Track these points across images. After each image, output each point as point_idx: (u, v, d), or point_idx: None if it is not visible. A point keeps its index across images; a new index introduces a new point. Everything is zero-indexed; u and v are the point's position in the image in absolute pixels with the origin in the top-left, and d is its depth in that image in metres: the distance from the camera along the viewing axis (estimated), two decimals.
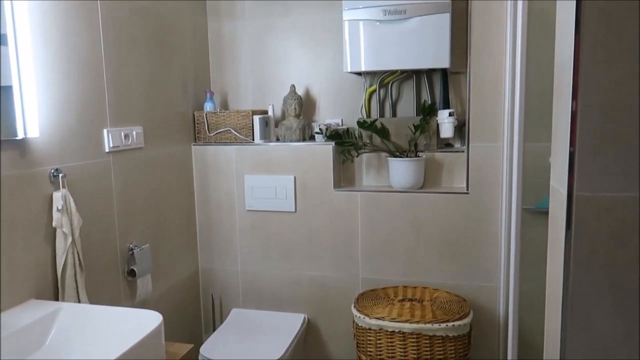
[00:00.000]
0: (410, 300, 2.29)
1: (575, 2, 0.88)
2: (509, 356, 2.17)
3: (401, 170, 2.37)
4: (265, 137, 2.60)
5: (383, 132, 2.41)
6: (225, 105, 2.84)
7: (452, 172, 2.46)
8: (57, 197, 1.68)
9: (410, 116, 2.52)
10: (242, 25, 2.74)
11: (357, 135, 2.47)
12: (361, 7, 2.24)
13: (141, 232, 2.22)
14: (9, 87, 1.51)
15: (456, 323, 2.04)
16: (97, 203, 1.94)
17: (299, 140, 2.54)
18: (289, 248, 2.60)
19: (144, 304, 2.20)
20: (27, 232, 1.61)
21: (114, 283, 2.06)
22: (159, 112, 2.35)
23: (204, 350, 2.22)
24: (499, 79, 2.18)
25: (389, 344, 2.08)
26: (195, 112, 2.65)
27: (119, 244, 2.07)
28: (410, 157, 2.38)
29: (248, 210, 2.62)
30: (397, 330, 2.06)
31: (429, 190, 2.38)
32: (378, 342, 2.11)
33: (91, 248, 1.90)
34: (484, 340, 2.38)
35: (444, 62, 2.18)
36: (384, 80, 2.53)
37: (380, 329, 2.09)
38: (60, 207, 1.67)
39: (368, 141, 2.48)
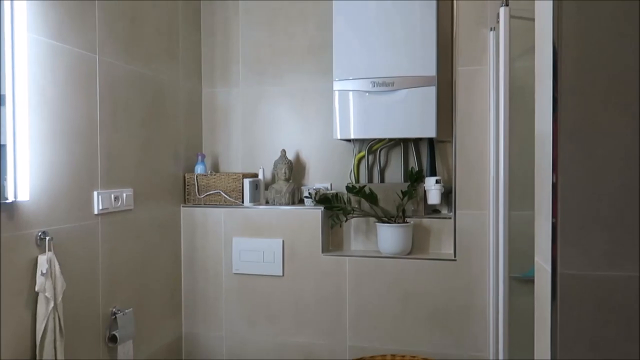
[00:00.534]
0: None
1: (552, 82, 0.93)
2: None
3: (389, 236, 2.39)
4: (255, 200, 2.62)
5: (371, 198, 2.44)
6: (216, 168, 2.88)
7: (440, 238, 2.48)
8: (42, 260, 1.66)
9: (398, 182, 2.57)
10: (236, 92, 2.83)
11: (346, 200, 2.50)
12: (351, 78, 2.34)
13: (125, 296, 2.18)
14: (3, 146, 1.53)
15: None
16: (83, 266, 1.92)
17: (288, 204, 2.57)
18: (275, 313, 2.56)
19: None
20: (9, 296, 1.58)
21: (94, 349, 1.99)
22: (150, 174, 2.37)
23: None
24: (483, 149, 2.25)
25: None
26: (186, 174, 2.68)
27: (101, 308, 2.03)
28: (398, 222, 2.40)
29: (235, 274, 2.60)
30: None
31: (417, 257, 2.39)
32: None
33: (73, 312, 1.85)
34: None
35: (430, 132, 2.26)
36: (372, 147, 2.59)
37: None
38: (44, 271, 1.65)
39: (357, 206, 2.50)
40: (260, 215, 2.56)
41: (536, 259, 1.07)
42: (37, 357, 1.65)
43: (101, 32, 2.01)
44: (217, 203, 2.63)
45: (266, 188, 2.69)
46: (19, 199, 1.58)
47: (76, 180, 1.88)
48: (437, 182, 2.38)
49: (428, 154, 2.53)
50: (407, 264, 2.37)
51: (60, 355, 1.70)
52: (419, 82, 2.24)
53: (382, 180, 2.62)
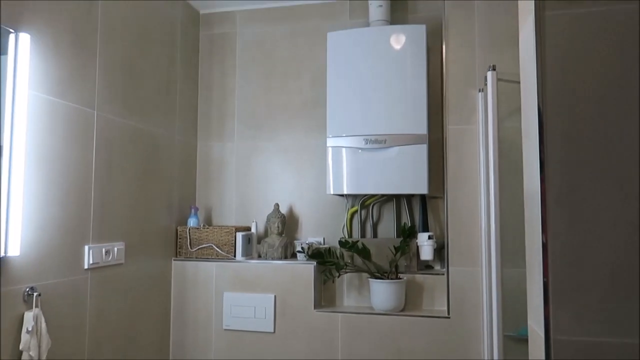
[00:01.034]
0: None
1: (539, 143, 0.96)
2: None
3: (382, 292, 2.37)
4: (247, 254, 2.60)
5: (364, 253, 2.43)
6: (209, 221, 2.87)
7: (433, 294, 2.46)
8: (29, 317, 1.63)
9: (390, 237, 2.57)
10: (231, 146, 2.87)
11: (338, 254, 2.49)
12: (344, 135, 2.39)
13: (112, 353, 2.12)
14: None
15: None
16: (70, 323, 1.87)
17: (280, 258, 2.55)
18: None
19: None
20: None
21: None
22: (143, 227, 2.36)
23: None
24: (475, 205, 2.27)
25: None
26: (178, 227, 2.67)
27: None
28: (391, 278, 2.39)
29: (225, 330, 2.54)
30: None
31: (410, 314, 2.36)
32: None
33: None
34: None
35: (422, 188, 2.29)
36: (365, 202, 2.61)
37: None
38: (30, 329, 1.61)
39: (349, 261, 2.49)
40: (252, 269, 2.53)
41: (529, 322, 1.07)
42: None
43: (100, 88, 2.06)
44: (209, 257, 2.61)
45: (259, 242, 2.68)
46: (9, 254, 1.57)
47: (68, 234, 1.87)
48: (429, 237, 2.39)
49: (420, 210, 2.55)
50: (400, 321, 2.34)
51: None
52: (411, 139, 2.29)
53: (374, 235, 2.62)
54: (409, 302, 2.46)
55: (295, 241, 2.70)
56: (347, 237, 2.60)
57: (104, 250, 2.05)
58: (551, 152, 0.94)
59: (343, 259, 2.49)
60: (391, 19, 2.57)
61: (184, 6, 2.79)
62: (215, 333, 2.56)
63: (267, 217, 2.65)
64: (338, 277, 2.50)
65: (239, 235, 2.57)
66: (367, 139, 2.34)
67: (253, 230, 2.68)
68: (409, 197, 2.59)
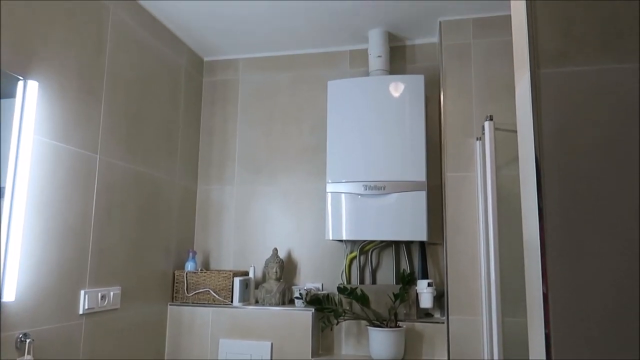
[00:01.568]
0: None
1: (536, 193, 0.97)
2: None
3: (381, 341, 2.32)
4: (245, 299, 2.57)
5: (363, 300, 2.40)
6: (206, 265, 2.85)
7: (433, 343, 2.41)
8: None
9: (390, 284, 2.55)
10: (230, 189, 2.88)
11: (337, 301, 2.46)
12: (344, 181, 2.41)
13: None
14: None
15: None
16: None
17: (278, 304, 2.52)
18: None
19: None
20: None
21: None
22: (139, 271, 2.34)
23: None
24: (474, 253, 2.27)
25: None
26: (175, 271, 2.64)
27: None
28: (391, 326, 2.35)
29: None
30: None
31: None
32: None
33: None
34: None
35: (421, 235, 2.29)
36: (364, 248, 2.60)
37: None
38: None
39: (348, 308, 2.46)
40: (249, 315, 2.49)
41: None
42: None
43: (104, 133, 2.09)
44: (206, 302, 2.57)
45: (256, 287, 2.65)
46: (4, 299, 1.55)
47: (64, 278, 1.86)
48: (429, 285, 2.36)
49: (419, 256, 2.53)
50: None
51: None
52: (410, 186, 2.31)
53: (373, 281, 2.60)
54: (409, 351, 2.41)
55: (293, 287, 2.67)
56: (345, 283, 2.58)
57: (99, 295, 2.03)
58: (550, 203, 0.95)
59: (342, 305, 2.46)
60: (390, 69, 2.64)
61: (189, 54, 2.87)
62: None
63: (266, 261, 2.63)
64: (336, 324, 2.46)
65: (237, 280, 2.54)
66: (366, 185, 2.36)
67: (251, 275, 2.66)
68: (408, 244, 2.58)
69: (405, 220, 2.30)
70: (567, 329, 0.92)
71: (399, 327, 2.37)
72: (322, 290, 2.64)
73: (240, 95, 2.97)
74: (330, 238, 2.43)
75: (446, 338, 2.31)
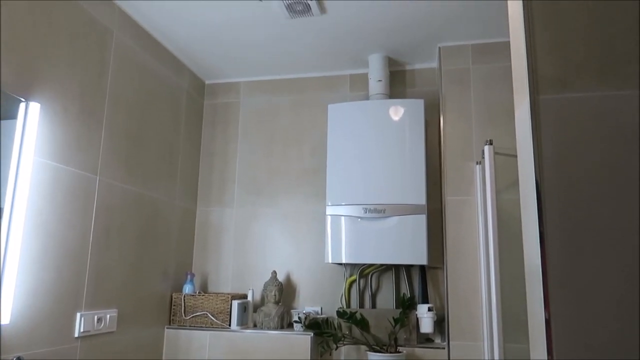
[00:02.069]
0: None
1: (537, 217, 0.97)
2: None
3: None
4: (243, 323, 2.54)
5: (363, 324, 2.37)
6: (204, 287, 2.82)
7: None
8: None
9: (389, 308, 2.52)
10: (230, 212, 2.88)
11: (336, 325, 2.43)
12: (343, 204, 2.40)
13: None
14: None
15: None
16: None
17: (277, 328, 2.48)
18: None
19: None
20: None
21: None
22: (137, 294, 2.32)
23: None
24: (475, 277, 2.25)
25: None
26: (173, 294, 2.62)
27: None
28: (391, 351, 2.32)
29: None
30: None
31: None
32: None
33: None
34: None
35: (421, 259, 2.27)
36: (364, 271, 2.58)
37: None
38: None
39: (347, 332, 2.43)
40: (247, 339, 2.46)
41: None
42: None
43: (104, 154, 2.10)
44: (203, 325, 2.54)
45: (255, 310, 2.62)
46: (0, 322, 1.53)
47: (60, 301, 1.83)
48: (429, 309, 2.34)
49: (419, 280, 2.51)
50: None
51: None
52: (410, 210, 2.30)
53: (373, 305, 2.57)
54: None
55: (292, 310, 2.64)
56: (345, 306, 2.55)
57: (96, 317, 2.00)
58: (551, 228, 0.95)
59: (341, 329, 2.43)
60: (390, 93, 2.66)
61: (190, 76, 2.90)
62: None
63: (265, 284, 2.61)
64: (335, 349, 2.43)
65: (235, 303, 2.51)
66: (366, 208, 2.35)
67: (249, 298, 2.63)
68: (409, 267, 2.56)
69: (405, 244, 2.29)
70: (570, 355, 0.91)
71: (399, 352, 2.33)
72: (321, 314, 2.61)
73: (241, 117, 2.99)
74: (330, 261, 2.41)
75: None
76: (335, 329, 2.42)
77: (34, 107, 1.68)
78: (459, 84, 2.44)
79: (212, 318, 2.52)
